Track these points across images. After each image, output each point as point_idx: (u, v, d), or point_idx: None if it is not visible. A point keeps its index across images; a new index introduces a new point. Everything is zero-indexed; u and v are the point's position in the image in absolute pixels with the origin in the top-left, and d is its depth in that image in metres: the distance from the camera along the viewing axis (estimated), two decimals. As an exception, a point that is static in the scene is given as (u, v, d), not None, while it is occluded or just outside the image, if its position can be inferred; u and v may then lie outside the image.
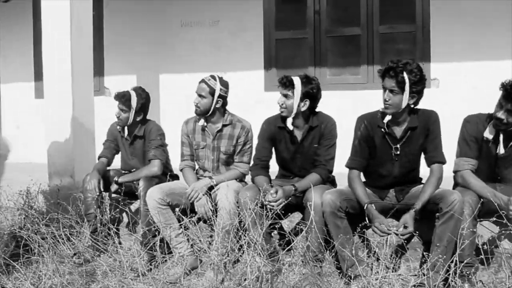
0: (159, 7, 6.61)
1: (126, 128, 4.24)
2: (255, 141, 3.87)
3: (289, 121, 3.59)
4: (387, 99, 3.22)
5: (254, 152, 3.82)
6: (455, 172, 3.36)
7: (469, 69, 5.43)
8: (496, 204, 3.03)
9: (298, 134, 3.65)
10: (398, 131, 3.34)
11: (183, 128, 4.00)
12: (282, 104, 3.58)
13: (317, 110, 3.68)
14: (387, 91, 3.23)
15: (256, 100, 6.07)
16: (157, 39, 6.66)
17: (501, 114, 3.13)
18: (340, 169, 3.61)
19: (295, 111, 3.55)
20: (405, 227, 3.05)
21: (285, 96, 3.57)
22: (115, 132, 4.34)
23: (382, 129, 3.33)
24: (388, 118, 3.28)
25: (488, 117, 3.32)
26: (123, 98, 4.14)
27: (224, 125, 3.87)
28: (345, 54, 6.01)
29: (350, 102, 5.75)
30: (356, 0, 5.84)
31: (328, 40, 6.00)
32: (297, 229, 3.59)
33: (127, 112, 4.14)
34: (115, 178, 4.08)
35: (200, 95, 3.80)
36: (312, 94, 3.55)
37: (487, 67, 5.32)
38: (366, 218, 3.17)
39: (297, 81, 3.55)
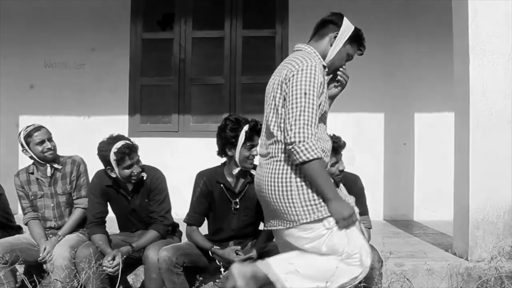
0: (22, 46, 6.38)
1: None
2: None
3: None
4: (255, 154, 3.35)
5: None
6: None
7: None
8: None
9: (127, 190, 3.63)
10: (238, 185, 3.50)
11: (15, 181, 3.84)
12: None
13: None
14: (255, 147, 3.36)
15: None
16: (19, 79, 6.39)
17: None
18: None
19: None
20: None
21: None
22: None
23: (221, 185, 3.48)
24: (237, 170, 3.42)
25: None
26: None
27: (56, 169, 3.80)
28: (209, 102, 6.23)
29: (215, 148, 5.90)
30: (220, 51, 6.10)
31: (192, 88, 6.17)
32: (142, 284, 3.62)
33: None
34: None
35: (49, 139, 3.75)
36: None
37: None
38: (217, 261, 3.34)
39: None
